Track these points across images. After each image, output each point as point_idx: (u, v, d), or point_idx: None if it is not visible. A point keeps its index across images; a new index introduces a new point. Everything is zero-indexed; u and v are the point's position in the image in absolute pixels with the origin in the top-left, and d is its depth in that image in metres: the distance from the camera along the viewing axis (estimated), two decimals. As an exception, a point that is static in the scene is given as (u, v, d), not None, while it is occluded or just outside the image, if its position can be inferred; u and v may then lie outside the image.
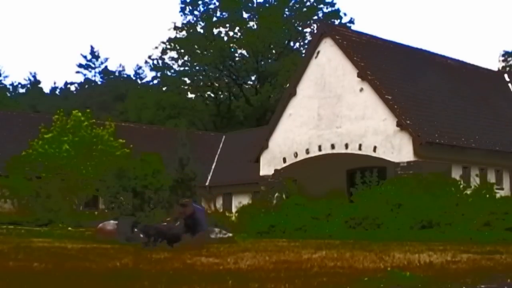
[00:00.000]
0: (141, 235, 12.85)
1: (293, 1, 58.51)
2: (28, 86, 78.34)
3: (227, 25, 58.81)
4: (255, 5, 58.99)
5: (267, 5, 58.48)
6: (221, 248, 12.15)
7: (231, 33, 59.13)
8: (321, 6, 58.60)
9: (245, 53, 59.11)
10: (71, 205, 28.87)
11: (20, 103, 67.14)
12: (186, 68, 60.60)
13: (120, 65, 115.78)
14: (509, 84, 35.41)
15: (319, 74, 27.68)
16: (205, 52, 57.48)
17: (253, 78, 61.35)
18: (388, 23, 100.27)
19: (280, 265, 8.62)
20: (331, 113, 26.98)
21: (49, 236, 16.66)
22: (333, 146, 26.80)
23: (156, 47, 74.40)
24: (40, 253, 10.27)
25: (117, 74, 78.03)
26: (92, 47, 76.83)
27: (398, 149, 24.58)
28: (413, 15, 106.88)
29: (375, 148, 25.26)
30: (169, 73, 61.70)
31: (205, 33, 58.66)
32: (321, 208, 22.10)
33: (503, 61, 56.63)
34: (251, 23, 58.78)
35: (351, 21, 59.40)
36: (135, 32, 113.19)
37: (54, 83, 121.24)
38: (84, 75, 77.33)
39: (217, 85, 60.86)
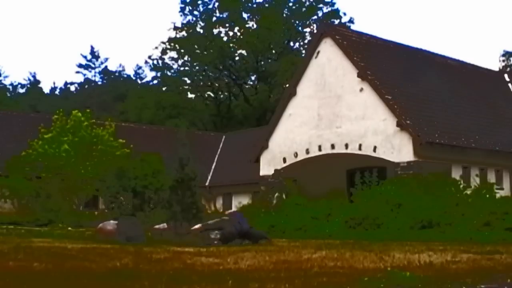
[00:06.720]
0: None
1: (292, 1, 58.53)
2: (28, 86, 78.37)
3: (227, 25, 58.86)
4: (254, 5, 59.02)
5: (266, 5, 58.48)
6: (221, 248, 12.15)
7: (230, 33, 59.25)
8: (321, 5, 58.64)
9: (245, 53, 59.13)
10: (71, 205, 28.87)
11: (20, 103, 67.12)
12: (186, 68, 60.64)
13: (120, 65, 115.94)
14: (509, 84, 35.41)
15: (319, 74, 27.67)
16: (205, 52, 57.48)
17: (253, 78, 61.44)
18: (388, 23, 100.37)
19: (280, 265, 8.61)
20: (331, 113, 26.98)
21: (49, 236, 16.63)
22: (333, 146, 26.79)
23: (156, 47, 74.40)
24: (40, 253, 10.25)
25: (117, 74, 78.12)
26: (92, 47, 76.92)
27: (398, 149, 24.58)
28: (413, 15, 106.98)
29: (375, 148, 25.26)
30: (169, 73, 61.76)
31: (205, 33, 58.67)
32: (321, 208, 22.10)
33: (503, 61, 56.65)
34: (251, 23, 58.88)
35: (351, 21, 59.48)
36: (135, 32, 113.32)
37: (54, 83, 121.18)
38: (84, 75, 77.45)
39: (217, 85, 60.88)
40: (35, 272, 7.33)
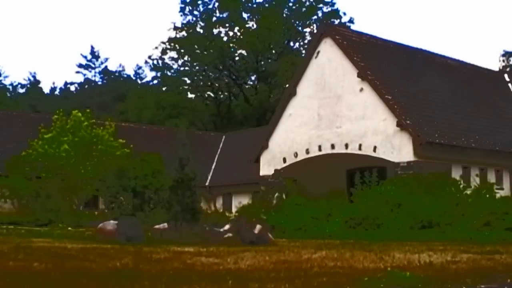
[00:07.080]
0: None
1: (292, 1, 58.55)
2: (28, 86, 78.33)
3: (227, 25, 58.85)
4: (254, 5, 59.03)
5: (266, 5, 58.48)
6: (221, 248, 12.15)
7: (231, 33, 59.23)
8: (321, 5, 58.63)
9: (245, 53, 59.13)
10: (71, 205, 28.86)
11: (20, 103, 67.11)
12: (186, 68, 60.64)
13: (120, 65, 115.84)
14: (509, 84, 35.41)
15: (319, 74, 27.68)
16: (205, 52, 57.48)
17: (253, 78, 61.44)
18: (388, 23, 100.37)
19: (280, 265, 8.62)
20: (331, 113, 26.98)
21: (49, 236, 16.61)
22: (333, 146, 26.80)
23: (156, 47, 74.46)
24: (40, 253, 10.25)
25: (117, 74, 78.09)
26: (92, 47, 76.89)
27: (398, 149, 24.58)
28: (413, 15, 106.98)
29: (375, 148, 25.26)
30: (169, 73, 61.76)
31: (205, 33, 58.67)
32: (321, 208, 22.11)
33: (503, 61, 56.65)
34: (251, 23, 58.87)
35: (351, 21, 59.46)
36: (135, 32, 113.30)
37: (54, 83, 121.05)
38: (84, 75, 77.42)
39: (217, 85, 60.88)
40: (35, 272, 7.32)
